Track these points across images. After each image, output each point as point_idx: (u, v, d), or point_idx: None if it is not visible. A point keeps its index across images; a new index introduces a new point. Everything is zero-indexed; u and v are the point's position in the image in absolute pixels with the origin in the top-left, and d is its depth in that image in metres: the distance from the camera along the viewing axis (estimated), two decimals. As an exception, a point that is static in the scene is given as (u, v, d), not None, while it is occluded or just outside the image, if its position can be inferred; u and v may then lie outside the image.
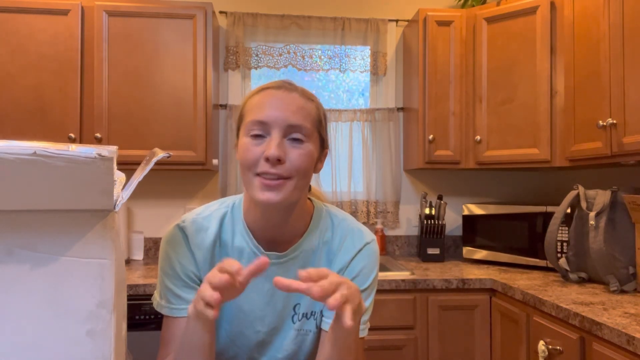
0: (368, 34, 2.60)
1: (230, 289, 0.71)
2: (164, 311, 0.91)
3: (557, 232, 1.87)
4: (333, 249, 0.96)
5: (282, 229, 0.91)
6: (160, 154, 0.66)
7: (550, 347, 1.53)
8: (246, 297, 0.93)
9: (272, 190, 0.82)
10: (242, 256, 0.92)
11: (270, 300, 0.93)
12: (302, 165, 0.83)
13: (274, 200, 0.82)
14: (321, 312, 0.96)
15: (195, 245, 0.91)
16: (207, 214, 0.94)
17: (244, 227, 0.92)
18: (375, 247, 0.97)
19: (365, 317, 0.95)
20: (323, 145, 0.92)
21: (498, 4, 2.27)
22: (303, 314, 0.95)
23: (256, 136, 0.83)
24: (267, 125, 0.83)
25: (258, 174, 0.82)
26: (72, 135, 2.13)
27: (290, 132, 0.83)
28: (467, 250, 2.41)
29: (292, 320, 0.95)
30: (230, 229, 0.93)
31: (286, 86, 0.87)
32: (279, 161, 0.81)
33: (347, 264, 0.94)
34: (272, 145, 0.81)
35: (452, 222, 2.71)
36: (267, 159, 0.81)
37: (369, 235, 0.98)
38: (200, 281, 0.91)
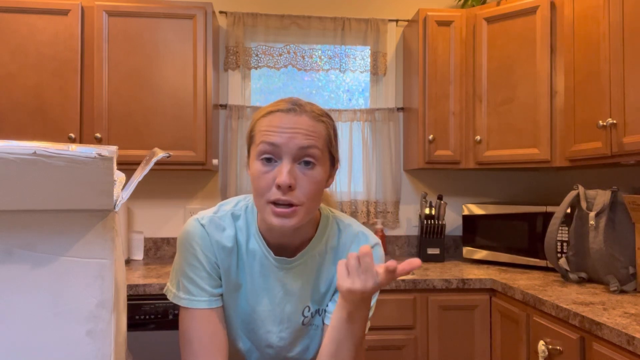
0: (368, 34, 2.60)
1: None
2: (182, 303, 0.93)
3: (557, 232, 1.87)
4: (339, 254, 0.99)
5: (292, 237, 0.94)
6: (160, 154, 0.66)
7: (550, 347, 1.53)
8: (259, 299, 0.96)
9: (285, 218, 0.84)
10: (255, 258, 0.95)
11: (280, 303, 0.97)
12: (312, 192, 0.86)
13: (287, 226, 0.85)
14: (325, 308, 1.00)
15: (215, 242, 0.94)
16: (222, 214, 0.96)
17: (257, 232, 0.95)
18: (379, 250, 1.00)
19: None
20: (333, 162, 0.94)
21: (498, 4, 2.27)
22: (312, 313, 0.99)
23: (267, 160, 0.85)
24: (277, 149, 0.85)
25: (270, 202, 0.84)
26: (72, 135, 2.13)
27: (302, 156, 0.85)
28: (467, 250, 2.41)
29: (302, 323, 0.99)
30: (244, 232, 0.96)
31: (295, 109, 0.88)
32: (289, 187, 0.83)
33: None
34: (283, 173, 0.83)
35: (452, 222, 2.71)
36: (279, 187, 0.83)
37: (374, 239, 1.01)
38: (220, 275, 0.95)
